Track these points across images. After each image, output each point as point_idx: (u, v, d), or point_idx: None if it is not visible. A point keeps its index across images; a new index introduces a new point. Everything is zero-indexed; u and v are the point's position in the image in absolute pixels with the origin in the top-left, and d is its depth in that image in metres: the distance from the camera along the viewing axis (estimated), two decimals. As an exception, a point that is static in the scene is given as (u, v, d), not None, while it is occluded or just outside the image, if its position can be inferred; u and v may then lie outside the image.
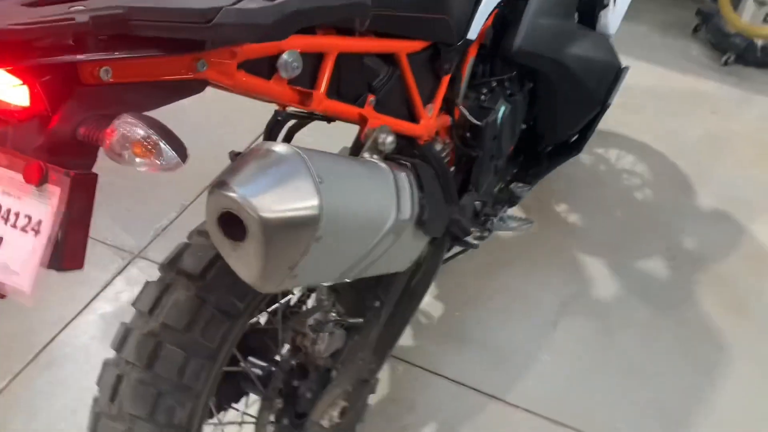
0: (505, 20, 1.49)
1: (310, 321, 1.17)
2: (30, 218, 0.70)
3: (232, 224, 0.75)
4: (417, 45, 1.16)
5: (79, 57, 0.69)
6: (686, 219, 2.31)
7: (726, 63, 3.11)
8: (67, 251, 0.70)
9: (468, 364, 1.80)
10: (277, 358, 1.24)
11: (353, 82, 1.07)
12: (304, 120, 1.41)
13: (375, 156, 1.01)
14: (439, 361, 1.80)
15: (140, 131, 0.65)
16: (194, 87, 0.83)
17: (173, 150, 0.66)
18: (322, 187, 0.76)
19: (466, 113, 1.45)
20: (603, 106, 1.71)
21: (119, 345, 1.02)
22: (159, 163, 0.66)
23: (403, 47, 1.13)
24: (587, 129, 1.75)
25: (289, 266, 0.78)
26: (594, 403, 1.74)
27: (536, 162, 1.78)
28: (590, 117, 1.71)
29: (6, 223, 0.71)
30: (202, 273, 1.03)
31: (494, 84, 1.53)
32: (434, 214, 1.04)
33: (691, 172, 2.51)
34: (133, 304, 1.06)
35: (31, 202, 0.71)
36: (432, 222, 1.04)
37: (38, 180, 0.69)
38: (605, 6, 1.70)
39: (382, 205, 0.92)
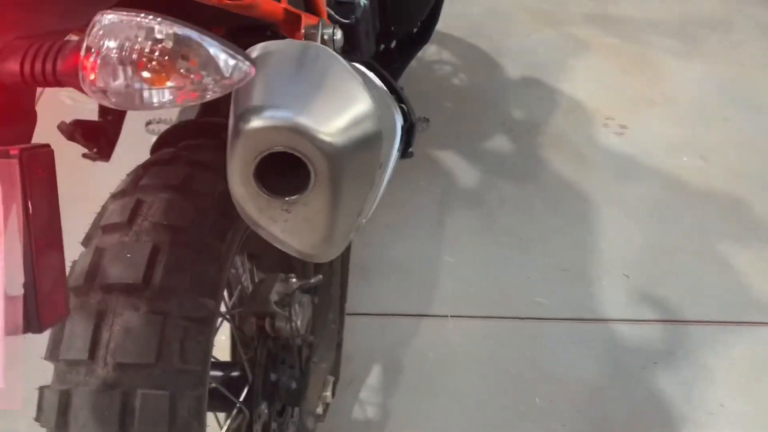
0: None
1: (274, 297, 0.92)
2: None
3: (273, 175, 0.49)
4: None
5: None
6: (504, 92, 2.36)
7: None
8: (41, 296, 0.39)
9: (381, 292, 1.66)
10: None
11: None
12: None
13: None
14: (352, 299, 1.62)
15: (159, 31, 0.36)
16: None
17: (232, 54, 0.38)
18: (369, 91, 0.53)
19: (332, 12, 1.23)
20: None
21: (59, 419, 0.68)
22: (210, 81, 0.37)
23: None
24: (432, 15, 1.63)
25: (358, 211, 0.54)
26: (507, 287, 1.73)
27: (389, 59, 1.63)
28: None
29: None
30: (145, 279, 0.72)
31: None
32: (415, 117, 0.84)
33: (490, 48, 2.56)
34: (49, 357, 0.71)
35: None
36: (415, 126, 0.84)
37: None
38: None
39: (392, 109, 0.70)
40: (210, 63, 0.39)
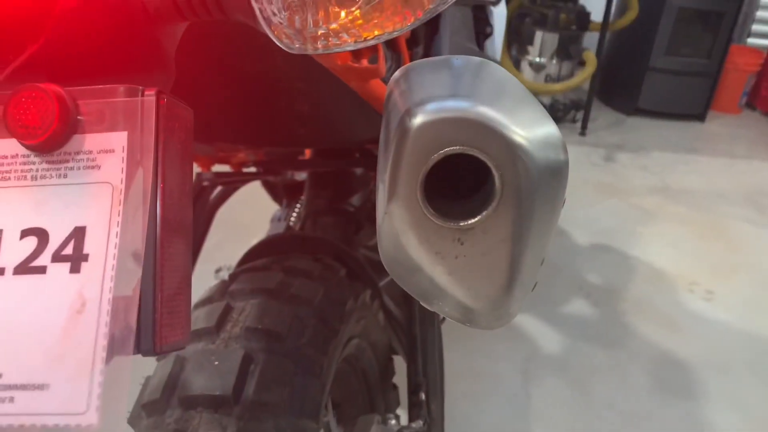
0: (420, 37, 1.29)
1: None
2: (42, 234, 0.26)
3: (438, 199, 0.38)
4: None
5: None
6: (577, 257, 2.26)
7: (525, 125, 3.31)
8: (162, 302, 0.26)
9: (468, 471, 1.42)
10: None
11: None
12: (232, 183, 1.04)
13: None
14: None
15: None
16: None
17: None
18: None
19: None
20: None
21: None
22: None
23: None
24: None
25: (543, 252, 0.41)
26: (614, 467, 1.47)
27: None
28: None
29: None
30: (235, 391, 0.58)
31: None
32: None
33: (554, 217, 2.51)
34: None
35: (41, 195, 0.26)
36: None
37: (58, 129, 0.26)
38: (489, 35, 1.61)
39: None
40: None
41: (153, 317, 0.26)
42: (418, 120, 0.36)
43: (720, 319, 2.00)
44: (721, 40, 3.40)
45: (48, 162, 0.26)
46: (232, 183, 1.02)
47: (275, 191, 1.36)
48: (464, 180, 0.39)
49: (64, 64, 0.27)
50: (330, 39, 0.29)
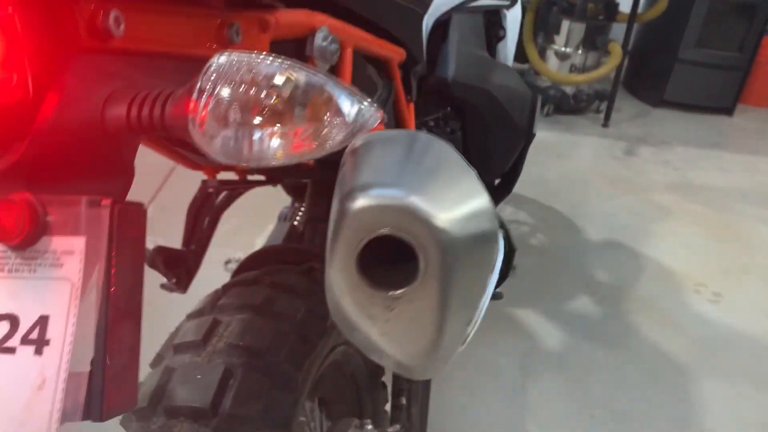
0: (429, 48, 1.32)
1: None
2: (14, 320, 0.32)
3: (377, 269, 0.43)
4: (402, 54, 0.94)
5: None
6: (586, 253, 2.28)
7: (547, 114, 3.30)
8: (110, 376, 0.32)
9: (459, 461, 1.49)
10: None
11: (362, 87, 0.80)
12: (237, 190, 1.09)
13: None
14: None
15: (277, 75, 0.32)
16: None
17: (358, 99, 0.34)
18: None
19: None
20: (528, 136, 1.59)
21: None
22: (331, 128, 0.33)
23: (396, 54, 0.89)
24: (515, 167, 1.63)
25: (468, 318, 0.47)
26: (602, 464, 1.53)
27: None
28: (519, 149, 1.59)
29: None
30: (213, 404, 0.65)
31: (431, 123, 1.35)
32: (514, 244, 0.78)
33: (567, 210, 2.53)
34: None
35: (12, 287, 0.32)
36: (514, 254, 0.78)
37: (30, 233, 0.32)
38: (502, 38, 1.63)
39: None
40: (332, 108, 0.35)
41: (102, 389, 0.31)
42: (355, 205, 0.41)
43: (724, 323, 2.01)
44: (754, 33, 3.33)
45: (21, 258, 0.32)
46: (236, 190, 1.08)
47: (286, 187, 1.42)
48: (401, 248, 0.44)
49: (39, 172, 0.33)
50: (261, 161, 0.35)
